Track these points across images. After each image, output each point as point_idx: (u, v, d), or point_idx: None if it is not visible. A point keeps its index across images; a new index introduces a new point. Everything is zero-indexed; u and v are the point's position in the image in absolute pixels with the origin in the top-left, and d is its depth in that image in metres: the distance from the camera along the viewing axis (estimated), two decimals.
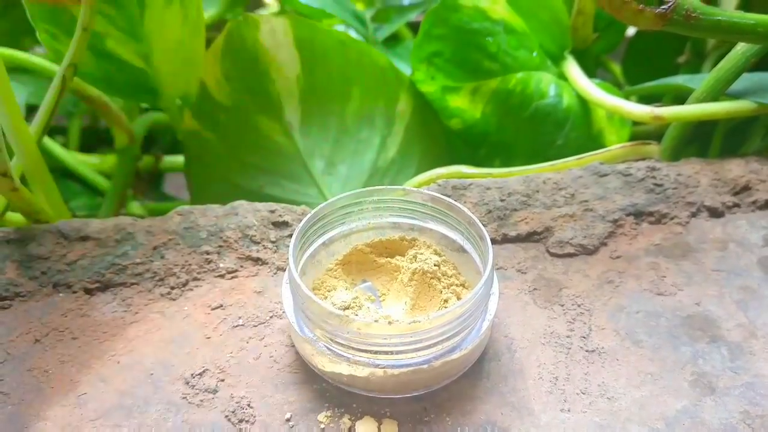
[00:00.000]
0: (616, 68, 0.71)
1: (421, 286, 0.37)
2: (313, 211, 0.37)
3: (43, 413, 0.34)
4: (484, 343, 0.36)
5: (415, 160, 0.57)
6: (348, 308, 0.35)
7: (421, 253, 0.39)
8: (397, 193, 0.39)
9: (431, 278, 0.37)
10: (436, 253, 0.39)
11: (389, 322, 0.33)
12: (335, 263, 0.39)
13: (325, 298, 0.37)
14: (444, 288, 0.37)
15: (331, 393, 0.35)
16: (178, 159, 0.68)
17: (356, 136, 0.56)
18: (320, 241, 0.39)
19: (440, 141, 0.58)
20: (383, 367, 0.33)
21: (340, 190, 0.54)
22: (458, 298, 0.37)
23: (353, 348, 0.33)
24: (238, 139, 0.55)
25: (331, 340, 0.33)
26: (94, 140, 0.75)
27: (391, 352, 0.33)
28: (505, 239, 0.44)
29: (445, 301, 0.37)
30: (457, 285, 0.38)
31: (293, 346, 0.37)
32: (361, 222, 0.40)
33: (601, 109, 0.55)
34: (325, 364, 0.34)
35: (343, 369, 0.33)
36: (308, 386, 0.36)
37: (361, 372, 0.33)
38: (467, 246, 0.39)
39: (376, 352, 0.33)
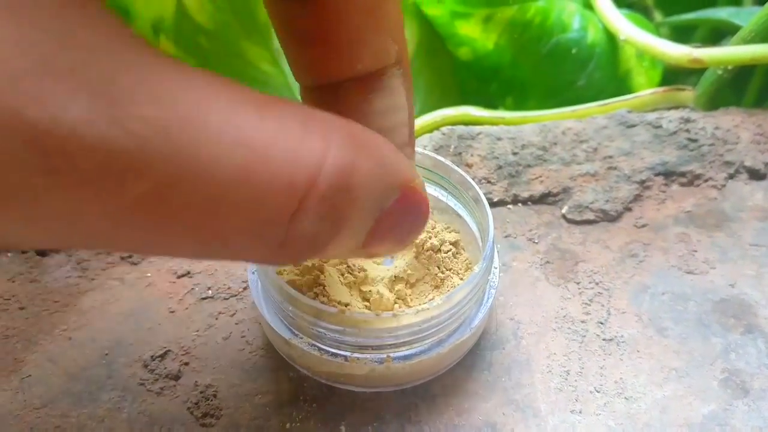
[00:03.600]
0: None
1: (407, 256, 0.33)
2: None
3: None
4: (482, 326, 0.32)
5: (419, 96, 0.51)
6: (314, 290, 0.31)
7: None
8: None
9: (428, 252, 0.32)
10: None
11: (394, 315, 0.28)
12: None
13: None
14: (440, 264, 0.32)
15: (309, 383, 0.31)
16: None
17: None
18: None
19: (447, 75, 0.52)
20: (386, 362, 0.28)
21: None
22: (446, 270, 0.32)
23: (352, 346, 0.28)
24: (221, 67, 0.49)
25: (321, 338, 0.28)
26: None
27: (397, 345, 0.28)
28: (516, 200, 0.39)
29: (442, 280, 0.32)
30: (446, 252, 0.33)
31: None
32: None
33: (630, 47, 0.48)
34: (315, 364, 0.29)
35: (339, 368, 0.29)
36: (283, 374, 0.31)
37: (360, 370, 0.29)
38: (462, 212, 0.33)
39: (378, 348, 0.28)
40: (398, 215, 0.20)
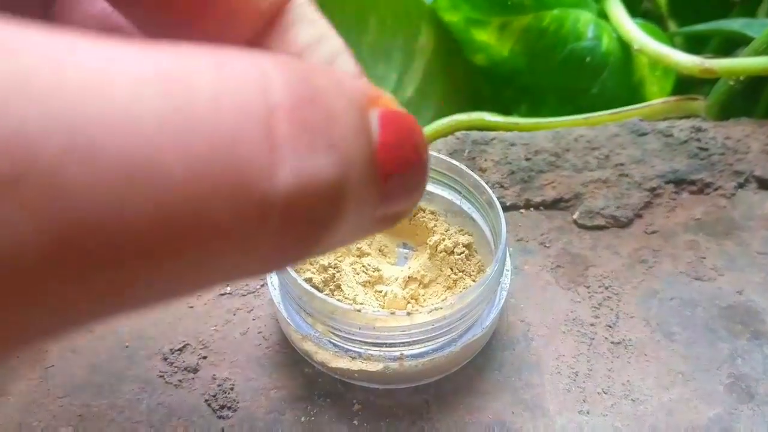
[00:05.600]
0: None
1: (421, 257, 0.34)
2: None
3: (6, 387, 0.31)
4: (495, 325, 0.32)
5: (434, 101, 0.52)
6: (326, 286, 0.32)
7: (425, 219, 0.35)
8: None
9: (442, 253, 0.33)
10: (438, 217, 0.35)
11: (408, 313, 0.28)
12: None
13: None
14: (453, 266, 0.33)
15: (324, 378, 0.32)
16: None
17: (371, 72, 0.51)
18: None
19: (463, 81, 0.53)
20: (399, 360, 0.29)
21: None
22: (461, 272, 0.33)
23: (366, 343, 0.29)
24: None
25: (336, 335, 0.29)
26: None
27: (410, 343, 0.29)
28: (528, 205, 0.39)
29: (455, 281, 0.33)
30: (459, 254, 0.33)
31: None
32: None
33: (643, 56, 0.49)
34: (330, 360, 0.30)
35: (353, 365, 0.30)
36: (298, 369, 0.32)
37: (374, 366, 0.29)
38: (475, 215, 0.34)
39: (392, 345, 0.29)
40: (394, 138, 0.15)
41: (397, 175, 0.15)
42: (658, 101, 0.45)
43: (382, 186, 0.15)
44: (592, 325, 0.34)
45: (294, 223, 0.13)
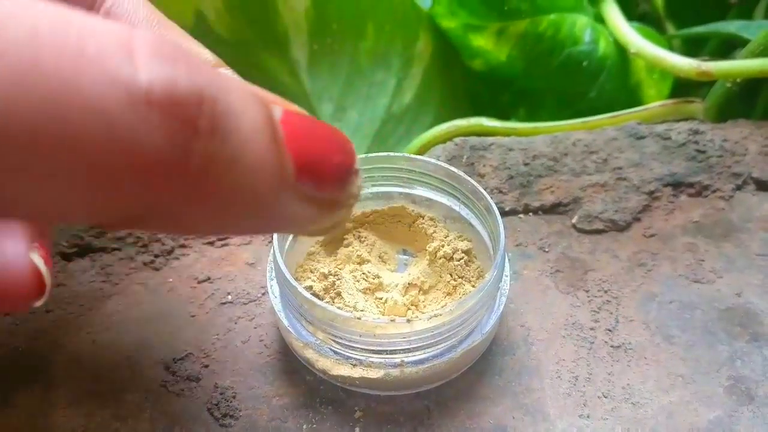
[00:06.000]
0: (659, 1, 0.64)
1: (421, 263, 0.34)
2: None
3: (9, 397, 0.31)
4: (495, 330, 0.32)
5: (432, 106, 0.52)
6: (327, 293, 0.32)
7: (424, 225, 0.35)
8: (387, 160, 0.35)
9: (441, 259, 0.33)
10: (437, 224, 0.35)
11: (408, 320, 0.28)
12: (317, 244, 0.35)
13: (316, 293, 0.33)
14: (452, 272, 0.33)
15: (326, 386, 0.32)
16: None
17: (370, 78, 0.51)
18: None
19: (461, 86, 0.53)
20: (400, 366, 0.29)
21: (349, 138, 0.49)
22: (459, 277, 0.33)
23: (367, 350, 0.29)
24: None
25: (337, 342, 0.29)
26: None
27: (411, 350, 0.29)
28: (527, 210, 0.39)
29: (454, 287, 0.33)
30: (457, 259, 0.34)
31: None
32: None
33: (640, 60, 0.49)
34: (331, 367, 0.30)
35: (354, 372, 0.30)
36: (300, 377, 0.32)
37: (375, 373, 0.30)
38: (474, 221, 0.34)
39: (392, 352, 0.29)
40: (294, 125, 0.19)
41: (301, 140, 0.19)
42: (655, 104, 0.46)
43: (283, 143, 0.18)
44: (591, 329, 0.34)
45: (165, 115, 0.15)
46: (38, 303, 0.22)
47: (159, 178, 0.16)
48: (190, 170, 0.16)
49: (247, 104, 0.17)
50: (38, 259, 0.22)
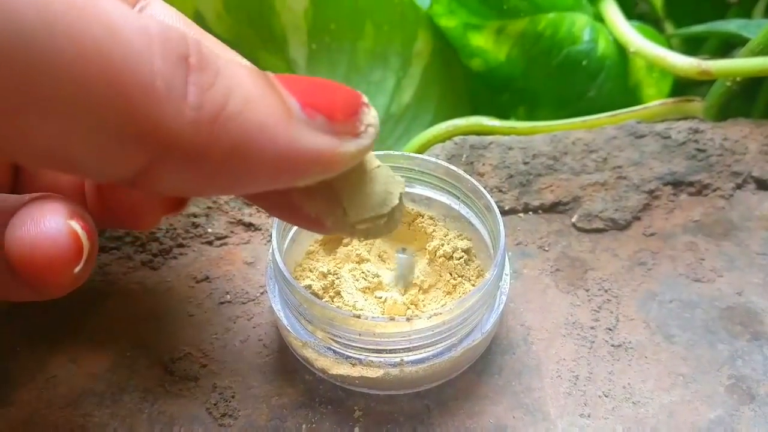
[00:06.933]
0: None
1: (421, 262, 0.34)
2: None
3: (8, 397, 0.31)
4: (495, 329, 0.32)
5: (432, 106, 0.52)
6: (329, 291, 0.32)
7: (424, 224, 0.35)
8: (386, 159, 0.34)
9: (441, 258, 0.33)
10: (436, 223, 0.35)
11: (408, 319, 0.28)
12: (316, 243, 0.35)
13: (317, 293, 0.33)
14: (452, 270, 0.33)
15: (325, 386, 0.32)
16: None
17: (368, 78, 0.51)
18: None
19: (460, 85, 0.53)
20: (399, 365, 0.29)
21: None
22: (459, 276, 0.33)
23: (366, 349, 0.29)
24: None
25: (336, 342, 0.29)
26: None
27: (410, 349, 0.29)
28: (527, 209, 0.39)
29: (454, 286, 0.33)
30: (458, 258, 0.33)
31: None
32: None
33: (640, 59, 0.49)
34: (331, 367, 0.30)
35: (354, 371, 0.30)
36: (299, 376, 0.32)
37: (375, 373, 0.29)
38: (474, 220, 0.34)
39: (392, 351, 0.29)
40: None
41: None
42: (655, 103, 0.45)
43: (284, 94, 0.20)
44: (592, 328, 0.34)
45: (162, 47, 0.18)
46: (78, 269, 0.23)
47: (165, 116, 0.17)
48: (190, 104, 0.18)
49: (235, 59, 0.20)
50: (75, 224, 0.23)
